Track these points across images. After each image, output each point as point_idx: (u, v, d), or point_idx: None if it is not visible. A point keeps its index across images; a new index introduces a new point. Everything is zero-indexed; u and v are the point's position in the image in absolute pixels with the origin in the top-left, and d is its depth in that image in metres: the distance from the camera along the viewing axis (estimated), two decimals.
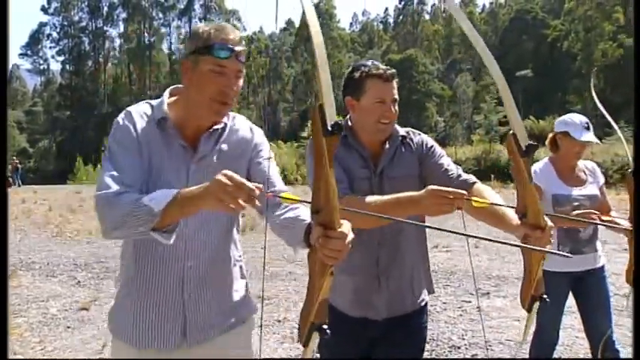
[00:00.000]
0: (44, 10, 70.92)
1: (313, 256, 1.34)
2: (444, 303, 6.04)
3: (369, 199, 2.05)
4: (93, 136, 61.28)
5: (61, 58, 71.66)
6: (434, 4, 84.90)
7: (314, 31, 1.27)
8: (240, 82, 1.80)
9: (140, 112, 1.81)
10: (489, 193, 2.12)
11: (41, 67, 73.12)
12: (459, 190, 1.88)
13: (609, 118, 3.02)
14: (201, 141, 1.82)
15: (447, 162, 2.31)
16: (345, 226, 1.30)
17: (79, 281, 7.36)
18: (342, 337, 2.25)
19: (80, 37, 71.80)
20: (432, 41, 75.21)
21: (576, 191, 3.30)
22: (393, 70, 2.25)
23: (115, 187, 1.64)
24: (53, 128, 66.54)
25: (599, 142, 3.42)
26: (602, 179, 3.46)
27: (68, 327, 5.38)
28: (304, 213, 1.65)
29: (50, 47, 71.86)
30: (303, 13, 1.26)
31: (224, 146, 1.86)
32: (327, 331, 1.29)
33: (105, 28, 73.25)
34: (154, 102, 1.86)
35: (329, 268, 1.30)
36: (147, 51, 71.83)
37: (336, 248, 1.27)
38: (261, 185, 1.46)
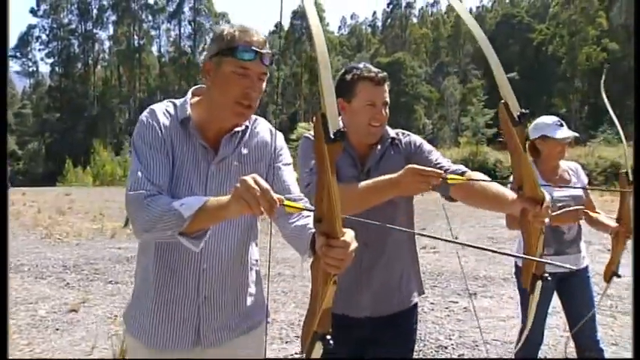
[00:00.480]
0: (33, 12, 70.35)
1: (317, 264, 1.31)
2: (432, 303, 6.11)
3: (355, 185, 2.09)
4: (82, 138, 61.09)
5: (50, 60, 71.31)
6: (422, 8, 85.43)
7: (318, 43, 1.25)
8: (263, 84, 1.79)
9: (163, 110, 1.82)
10: (482, 177, 2.10)
11: (30, 69, 72.76)
12: (436, 170, 1.94)
13: (613, 115, 3.11)
14: (222, 143, 1.82)
15: (436, 156, 2.30)
16: (348, 235, 1.29)
17: (67, 283, 7.32)
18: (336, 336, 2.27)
19: (69, 40, 71.38)
20: (419, 44, 75.27)
21: (560, 192, 3.30)
22: (385, 74, 2.26)
23: (145, 187, 1.65)
24: (42, 130, 66.09)
25: (577, 135, 3.45)
26: (585, 180, 3.49)
27: (57, 329, 5.36)
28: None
29: (39, 49, 71.51)
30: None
31: (244, 150, 1.86)
32: (331, 341, 1.28)
33: (94, 30, 72.84)
34: (178, 101, 1.87)
35: (332, 277, 1.28)
36: (136, 53, 71.51)
37: (339, 257, 1.26)
38: (282, 197, 1.47)
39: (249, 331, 1.94)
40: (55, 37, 70.99)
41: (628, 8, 59.60)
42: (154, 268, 1.84)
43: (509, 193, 1.93)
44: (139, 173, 1.68)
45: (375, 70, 2.26)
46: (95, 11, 72.61)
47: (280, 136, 1.97)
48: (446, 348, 4.76)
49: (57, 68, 70.87)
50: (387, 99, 2.28)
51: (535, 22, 68.06)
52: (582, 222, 3.40)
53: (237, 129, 1.85)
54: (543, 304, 3.30)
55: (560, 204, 3.22)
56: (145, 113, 1.82)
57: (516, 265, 3.51)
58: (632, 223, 2.99)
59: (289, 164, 1.93)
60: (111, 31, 73.29)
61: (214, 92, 1.78)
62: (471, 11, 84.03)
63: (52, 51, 70.91)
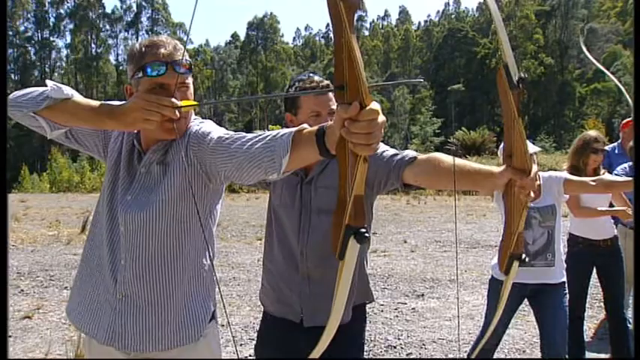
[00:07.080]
0: None
1: (343, 145, 1.09)
2: (382, 305, 6.17)
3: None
4: (39, 145, 61.18)
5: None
6: (372, 21, 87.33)
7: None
8: (189, 91, 1.73)
9: None
10: (440, 156, 1.88)
11: None
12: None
13: (628, 98, 3.05)
14: (151, 148, 1.78)
15: (382, 149, 2.03)
16: (375, 103, 1.03)
17: (22, 290, 7.14)
18: (273, 340, 2.33)
19: (26, 47, 70.87)
20: (371, 56, 76.47)
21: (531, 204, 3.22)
22: (327, 82, 2.14)
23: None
24: None
25: (539, 149, 3.35)
26: (559, 187, 3.31)
27: (10, 336, 5.18)
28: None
29: None
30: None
31: (169, 159, 1.76)
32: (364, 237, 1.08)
33: (51, 38, 72.44)
34: None
35: (361, 156, 1.05)
36: (94, 62, 71.63)
37: (364, 130, 1.02)
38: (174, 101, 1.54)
39: (186, 344, 1.78)
40: (10, 45, 69.54)
41: (561, 25, 63.61)
42: (87, 244, 1.86)
43: (489, 168, 1.71)
44: None
45: (318, 79, 2.16)
46: (52, 19, 72.39)
47: (196, 121, 1.82)
48: (394, 347, 4.87)
49: (13, 75, 69.87)
50: (334, 107, 2.02)
51: (479, 37, 71.05)
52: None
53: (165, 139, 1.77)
54: (507, 312, 3.27)
55: (532, 213, 3.22)
56: None
57: (492, 277, 3.47)
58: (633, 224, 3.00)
59: (205, 128, 1.75)
60: (68, 39, 73.13)
61: None
62: (419, 26, 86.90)
63: (7, 58, 70.31)
